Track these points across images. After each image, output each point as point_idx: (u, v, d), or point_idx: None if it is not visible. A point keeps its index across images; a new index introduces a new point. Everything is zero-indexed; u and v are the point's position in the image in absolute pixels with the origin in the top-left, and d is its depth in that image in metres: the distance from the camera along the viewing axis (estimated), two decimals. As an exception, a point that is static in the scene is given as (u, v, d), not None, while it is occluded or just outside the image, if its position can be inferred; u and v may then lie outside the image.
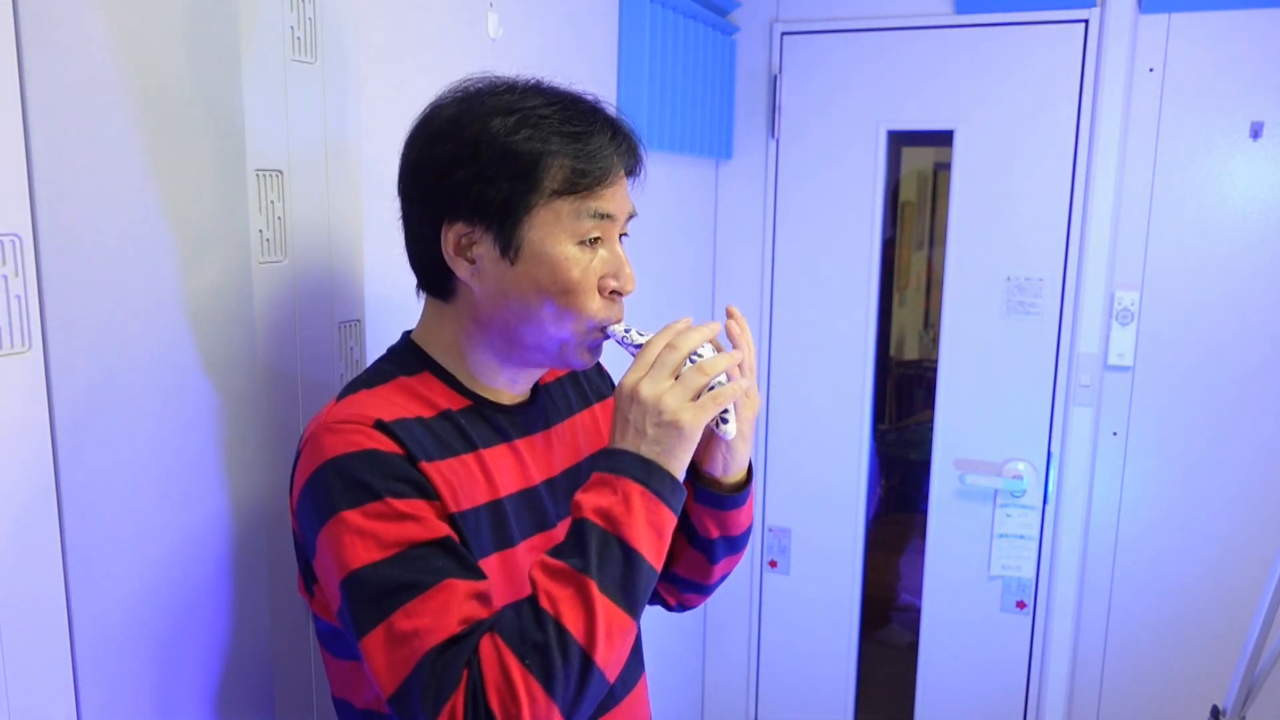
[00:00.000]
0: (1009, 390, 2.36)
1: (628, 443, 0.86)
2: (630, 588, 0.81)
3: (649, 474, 0.84)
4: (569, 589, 0.79)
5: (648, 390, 0.86)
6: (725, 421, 0.91)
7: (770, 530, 2.62)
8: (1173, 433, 2.24)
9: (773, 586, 2.66)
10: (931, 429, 2.46)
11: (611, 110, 0.96)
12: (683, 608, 1.15)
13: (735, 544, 1.07)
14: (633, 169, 0.97)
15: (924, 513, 2.51)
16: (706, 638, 2.74)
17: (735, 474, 1.02)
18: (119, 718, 0.92)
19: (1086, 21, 2.19)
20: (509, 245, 0.90)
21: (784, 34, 2.42)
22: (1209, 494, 2.23)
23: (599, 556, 0.80)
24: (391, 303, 1.29)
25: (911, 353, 3.52)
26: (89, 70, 0.84)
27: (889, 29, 2.34)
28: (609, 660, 0.80)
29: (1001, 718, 2.48)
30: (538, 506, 0.98)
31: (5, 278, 0.79)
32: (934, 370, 2.45)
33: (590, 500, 0.84)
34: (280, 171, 1.05)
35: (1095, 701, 2.39)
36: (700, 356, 0.89)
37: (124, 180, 0.87)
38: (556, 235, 0.90)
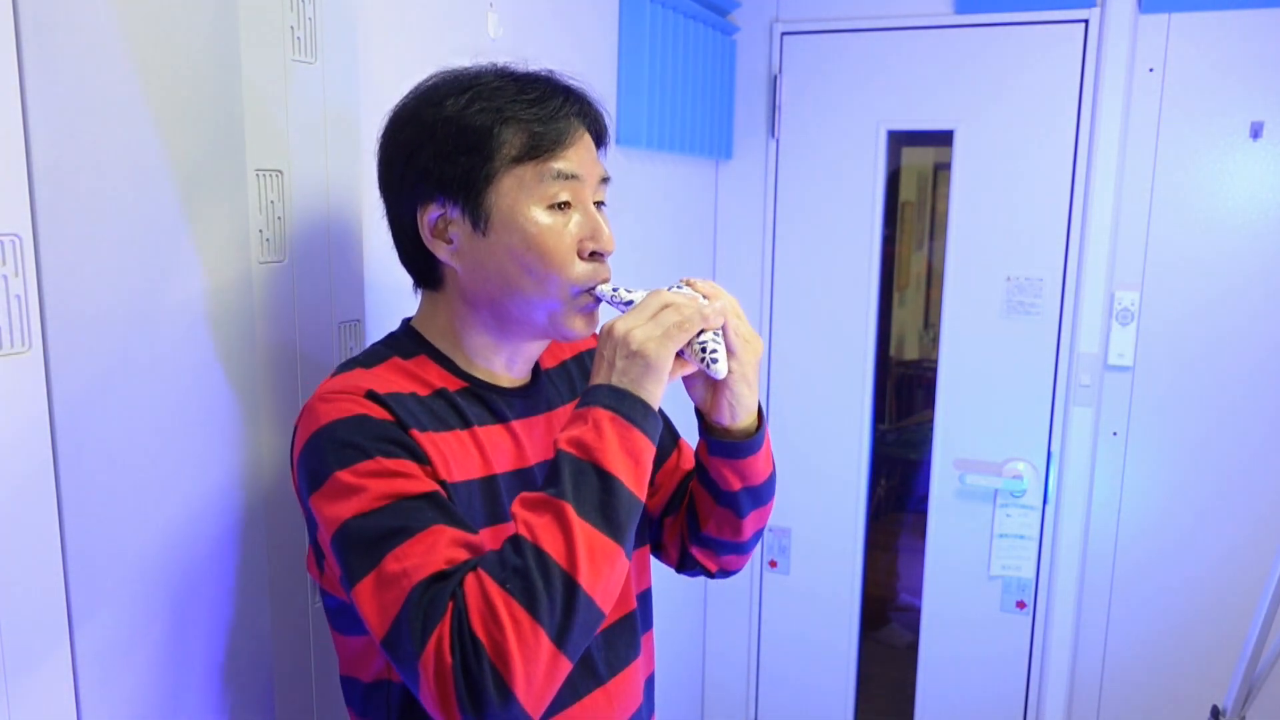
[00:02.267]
0: (1009, 390, 2.36)
1: (601, 377, 0.87)
2: (610, 511, 0.80)
3: (619, 401, 0.85)
4: (546, 515, 0.79)
5: (621, 326, 0.87)
6: (715, 360, 0.91)
7: (770, 530, 2.62)
8: (1173, 433, 2.24)
9: (773, 586, 2.66)
10: (931, 429, 2.46)
11: (568, 79, 0.97)
12: (725, 573, 1.14)
13: (759, 494, 1.05)
14: (596, 132, 0.98)
15: (924, 513, 2.51)
16: (706, 638, 2.74)
17: (744, 420, 1.00)
18: (119, 718, 0.92)
19: (1086, 21, 2.19)
20: (478, 217, 0.91)
21: (784, 34, 2.42)
22: (1209, 494, 2.23)
23: (573, 482, 0.80)
24: (391, 303, 1.29)
25: (911, 353, 3.52)
26: (89, 70, 0.84)
27: (889, 29, 2.34)
28: (595, 584, 0.78)
29: (1001, 718, 2.48)
30: (532, 486, 0.97)
31: (5, 278, 0.79)
32: (934, 370, 2.45)
33: (565, 434, 0.84)
34: (280, 171, 1.05)
35: (1095, 701, 2.40)
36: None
37: (124, 180, 0.87)
38: (523, 201, 0.91)
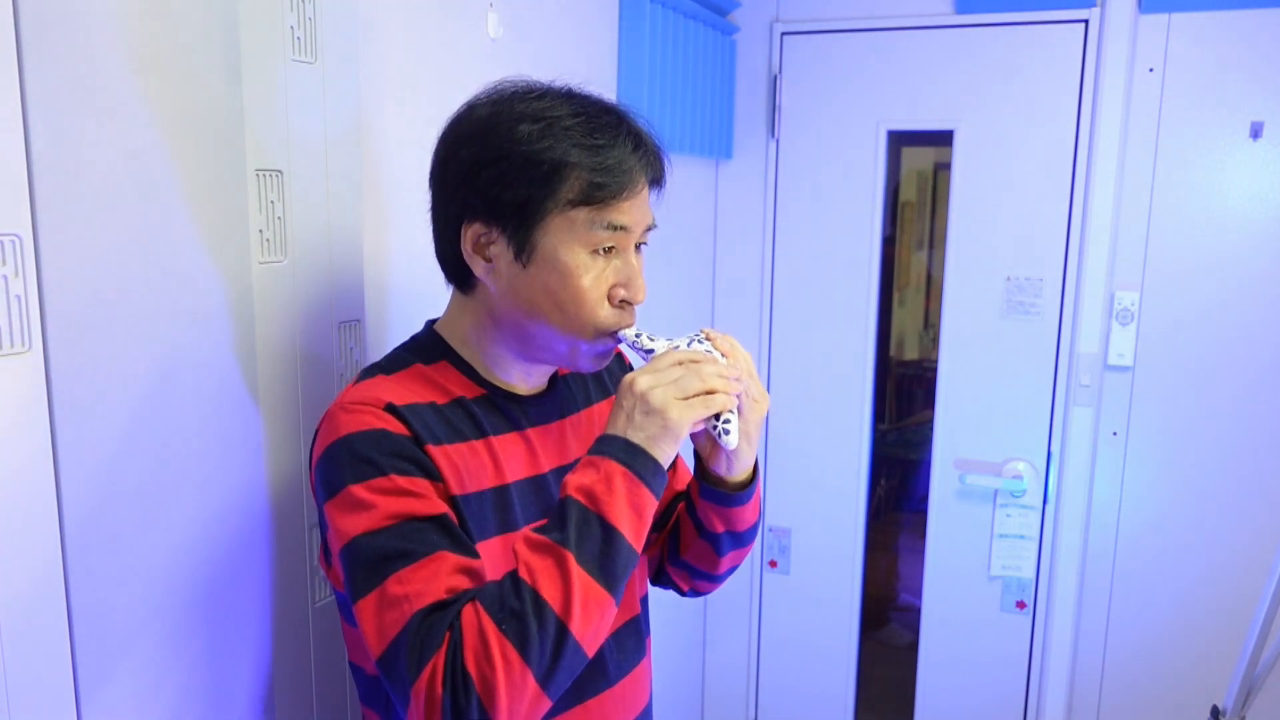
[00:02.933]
0: (1009, 390, 2.36)
1: (617, 429, 0.89)
2: (608, 564, 0.83)
3: (633, 457, 0.87)
4: (548, 560, 0.82)
5: (643, 382, 0.89)
6: (727, 433, 0.93)
7: (770, 530, 2.61)
8: (1173, 433, 2.24)
9: (773, 586, 2.66)
10: (931, 429, 2.46)
11: (639, 121, 0.98)
12: (695, 593, 1.18)
13: (741, 539, 1.09)
14: (655, 180, 0.99)
15: (924, 513, 2.51)
16: (706, 638, 2.74)
17: (739, 474, 1.04)
18: (119, 718, 0.92)
19: (1086, 21, 2.19)
20: (522, 248, 0.93)
21: (784, 34, 2.42)
22: (1209, 494, 2.23)
23: (578, 532, 0.83)
24: (391, 303, 1.29)
25: (911, 353, 3.52)
26: (89, 70, 0.84)
27: (889, 29, 2.34)
28: (585, 632, 0.81)
29: (1001, 718, 2.48)
30: (544, 494, 1.01)
31: (5, 278, 0.79)
32: (934, 370, 2.45)
33: (575, 479, 0.87)
34: (280, 171, 1.05)
35: (1095, 701, 2.40)
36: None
37: (124, 180, 0.87)
38: (569, 243, 0.93)
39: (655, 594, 1.20)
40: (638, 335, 0.96)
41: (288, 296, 1.07)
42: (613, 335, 0.96)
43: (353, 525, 0.85)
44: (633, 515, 0.85)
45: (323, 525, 0.94)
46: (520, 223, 0.92)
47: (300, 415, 1.11)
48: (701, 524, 1.08)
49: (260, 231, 1.02)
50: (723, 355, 0.95)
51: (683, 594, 1.19)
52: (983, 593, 2.45)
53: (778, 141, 2.47)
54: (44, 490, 0.83)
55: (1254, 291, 2.14)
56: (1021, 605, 2.42)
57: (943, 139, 2.35)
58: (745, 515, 1.07)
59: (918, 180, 3.40)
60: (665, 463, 0.89)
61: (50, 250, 0.82)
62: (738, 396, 0.94)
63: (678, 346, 0.95)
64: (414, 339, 1.04)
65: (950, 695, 2.52)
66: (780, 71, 2.44)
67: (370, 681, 1.00)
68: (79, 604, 0.87)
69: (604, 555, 0.83)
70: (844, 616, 2.60)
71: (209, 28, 0.95)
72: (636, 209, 0.95)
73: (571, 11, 1.73)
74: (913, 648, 2.58)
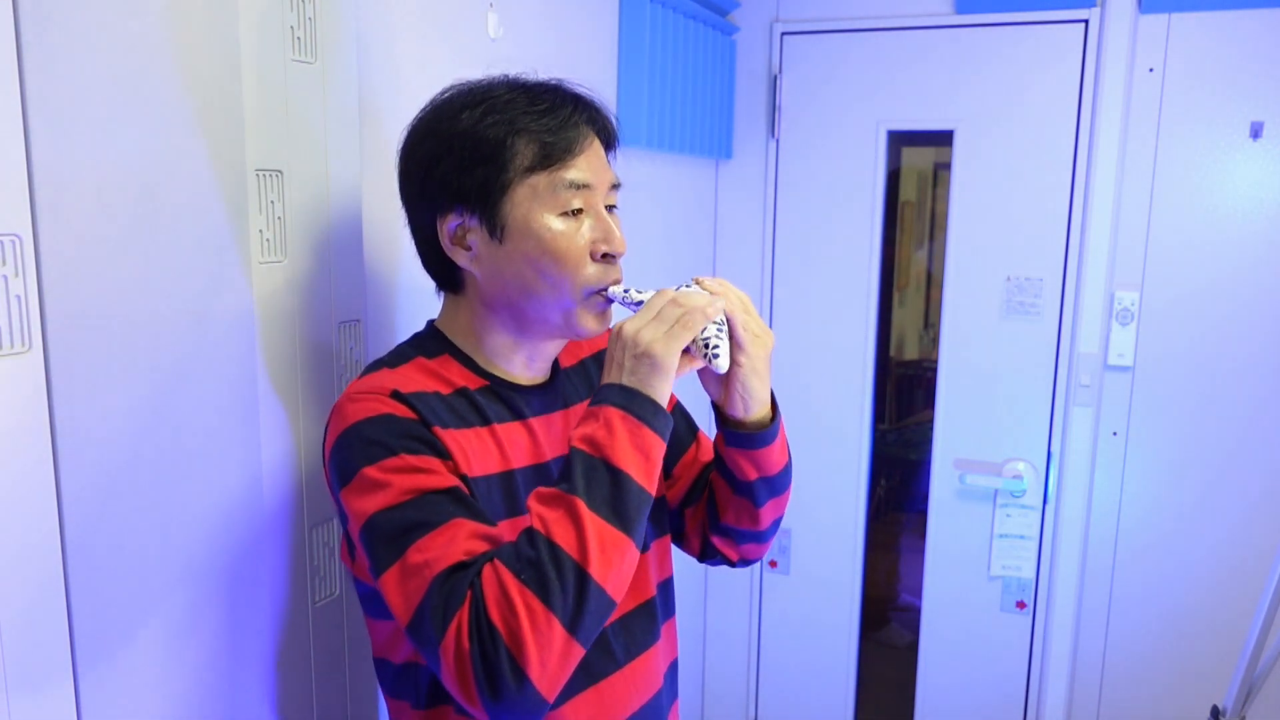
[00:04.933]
0: (1009, 390, 2.36)
1: (611, 377, 0.91)
2: (620, 505, 0.84)
3: (629, 400, 0.88)
4: (559, 509, 0.83)
5: (629, 327, 0.91)
6: (716, 355, 0.94)
7: (770, 530, 2.61)
8: (1173, 433, 2.24)
9: (773, 586, 2.66)
10: (931, 429, 2.46)
11: (577, 87, 1.01)
12: (745, 561, 1.18)
13: (775, 484, 1.09)
14: (605, 139, 1.01)
15: (924, 513, 2.51)
16: (706, 638, 2.74)
17: (757, 412, 1.03)
18: (119, 717, 0.92)
19: (1086, 21, 2.19)
20: (495, 226, 0.95)
21: (784, 34, 2.42)
22: (1209, 494, 2.23)
23: (585, 478, 0.84)
24: (391, 303, 1.29)
25: (911, 353, 3.52)
26: (89, 70, 0.84)
27: (889, 29, 2.34)
28: (607, 575, 0.82)
29: (1001, 718, 2.48)
30: (549, 481, 1.01)
31: (5, 278, 0.79)
32: (934, 370, 2.45)
33: (578, 431, 0.88)
34: (280, 171, 1.05)
35: (1095, 701, 2.40)
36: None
37: (124, 180, 0.87)
38: (537, 210, 0.95)
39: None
40: (626, 290, 0.98)
41: (288, 296, 1.07)
42: (602, 294, 0.98)
43: (369, 504, 0.87)
44: (638, 456, 0.87)
45: (342, 517, 0.95)
46: (486, 201, 0.95)
47: (300, 415, 1.11)
48: (734, 476, 1.07)
49: (260, 231, 1.02)
50: (711, 294, 0.96)
51: (733, 564, 1.18)
52: (983, 593, 2.45)
53: (778, 141, 2.47)
54: (44, 490, 0.83)
55: (1254, 291, 2.14)
56: (1021, 605, 2.42)
57: (943, 139, 2.35)
58: (773, 456, 1.07)
59: (918, 180, 3.40)
60: (662, 400, 0.90)
61: (50, 250, 0.82)
62: (726, 324, 0.95)
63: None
64: (415, 336, 1.06)
65: (950, 695, 2.52)
66: (780, 71, 2.44)
67: (399, 672, 1.01)
68: (79, 604, 0.87)
69: (614, 498, 0.84)
70: (844, 616, 2.60)
71: (209, 28, 0.95)
72: (592, 165, 0.97)
73: (571, 11, 1.73)
74: (913, 648, 2.58)
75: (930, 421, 2.47)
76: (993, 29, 2.26)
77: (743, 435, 1.04)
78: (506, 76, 1.00)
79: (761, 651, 2.70)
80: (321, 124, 1.10)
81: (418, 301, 1.32)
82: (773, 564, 2.64)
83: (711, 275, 2.55)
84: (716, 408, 1.06)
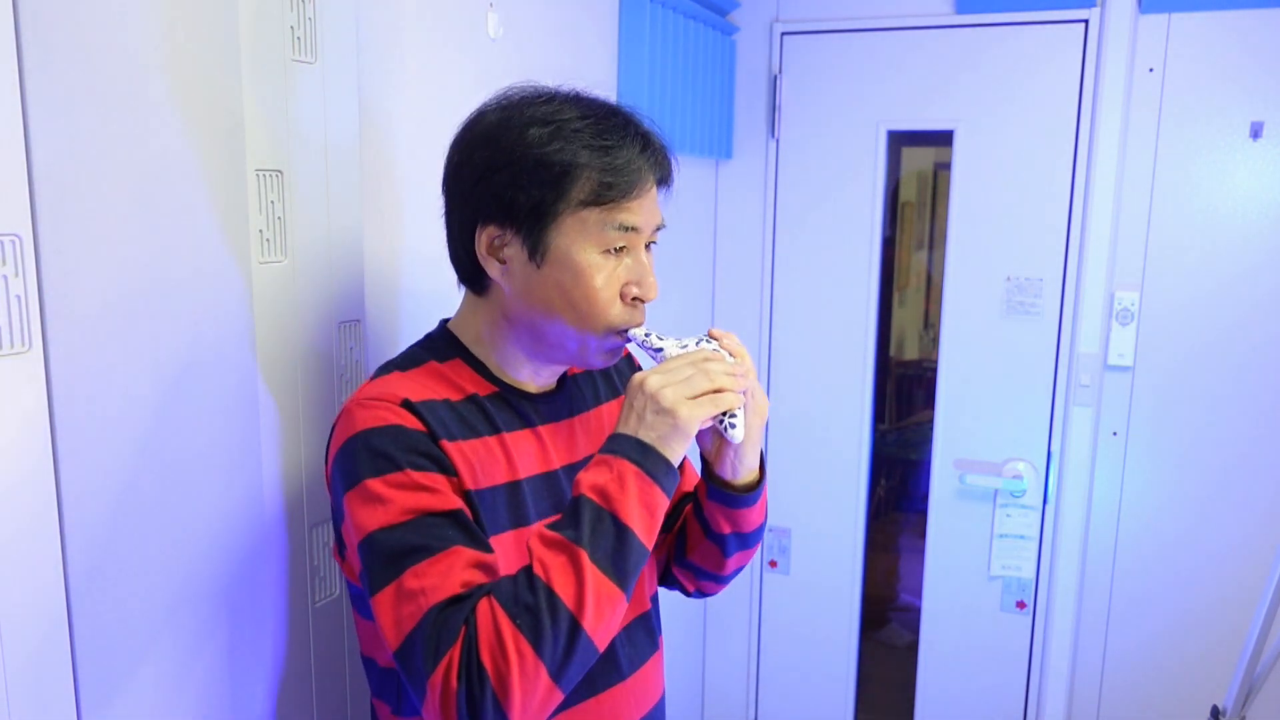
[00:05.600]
0: (1009, 390, 2.36)
1: (629, 428, 0.91)
2: (620, 561, 0.85)
3: (644, 456, 0.88)
4: (561, 557, 0.84)
5: (654, 382, 0.90)
6: (733, 426, 0.95)
7: (770, 530, 2.61)
8: (1173, 433, 2.24)
9: (773, 586, 2.66)
10: (931, 429, 2.46)
11: (646, 123, 1.00)
12: (700, 594, 1.20)
13: (747, 540, 1.11)
14: (664, 179, 1.01)
15: (924, 513, 2.51)
16: (706, 638, 2.74)
17: (745, 476, 1.05)
18: (119, 717, 0.92)
19: (1086, 21, 2.19)
20: (536, 249, 0.95)
21: (784, 34, 2.42)
22: (1209, 494, 2.23)
23: (592, 529, 0.85)
24: (391, 303, 1.29)
25: (911, 353, 3.51)
26: (89, 70, 0.84)
27: (889, 29, 2.34)
28: (597, 628, 0.83)
29: (1001, 718, 2.48)
30: (556, 490, 1.02)
31: (5, 278, 0.79)
32: (934, 370, 2.45)
33: (588, 478, 0.88)
34: (280, 171, 1.05)
35: (1095, 701, 2.40)
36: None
37: (124, 180, 0.87)
38: (581, 243, 0.95)
39: (656, 592, 1.20)
40: (647, 334, 0.98)
41: (288, 296, 1.07)
42: (622, 334, 0.98)
43: (370, 519, 0.87)
44: (645, 514, 0.87)
45: (337, 517, 0.95)
46: (534, 224, 0.94)
47: (301, 415, 1.11)
48: (708, 525, 1.09)
49: (260, 231, 1.02)
50: (730, 355, 0.97)
51: (688, 594, 1.20)
52: (983, 592, 2.45)
53: (778, 141, 2.47)
54: (44, 491, 0.83)
55: (1254, 291, 2.14)
56: (1021, 605, 2.42)
57: (943, 139, 2.35)
58: (751, 517, 1.09)
59: (918, 180, 3.40)
60: (676, 461, 0.90)
61: (50, 250, 0.82)
62: (743, 394, 0.95)
63: (685, 346, 0.97)
64: (428, 337, 1.06)
65: (950, 695, 2.52)
66: (780, 71, 2.44)
67: (383, 674, 1.02)
68: (79, 604, 0.87)
69: (616, 553, 0.85)
70: (844, 616, 2.60)
71: (209, 28, 0.95)
72: (645, 209, 0.97)
73: (571, 11, 1.73)
74: (913, 648, 2.58)
75: (930, 421, 2.47)
76: (993, 29, 2.26)
77: (726, 495, 1.06)
78: (578, 94, 0.99)
79: (761, 651, 2.70)
80: (321, 124, 1.10)
81: (418, 302, 1.32)
82: (773, 564, 2.64)
83: (711, 276, 2.56)
84: (705, 462, 1.07)
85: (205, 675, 1.01)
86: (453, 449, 0.92)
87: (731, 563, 1.12)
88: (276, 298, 1.06)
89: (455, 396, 0.97)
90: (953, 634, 2.50)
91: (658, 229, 1.01)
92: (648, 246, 1.00)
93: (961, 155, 2.33)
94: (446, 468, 0.90)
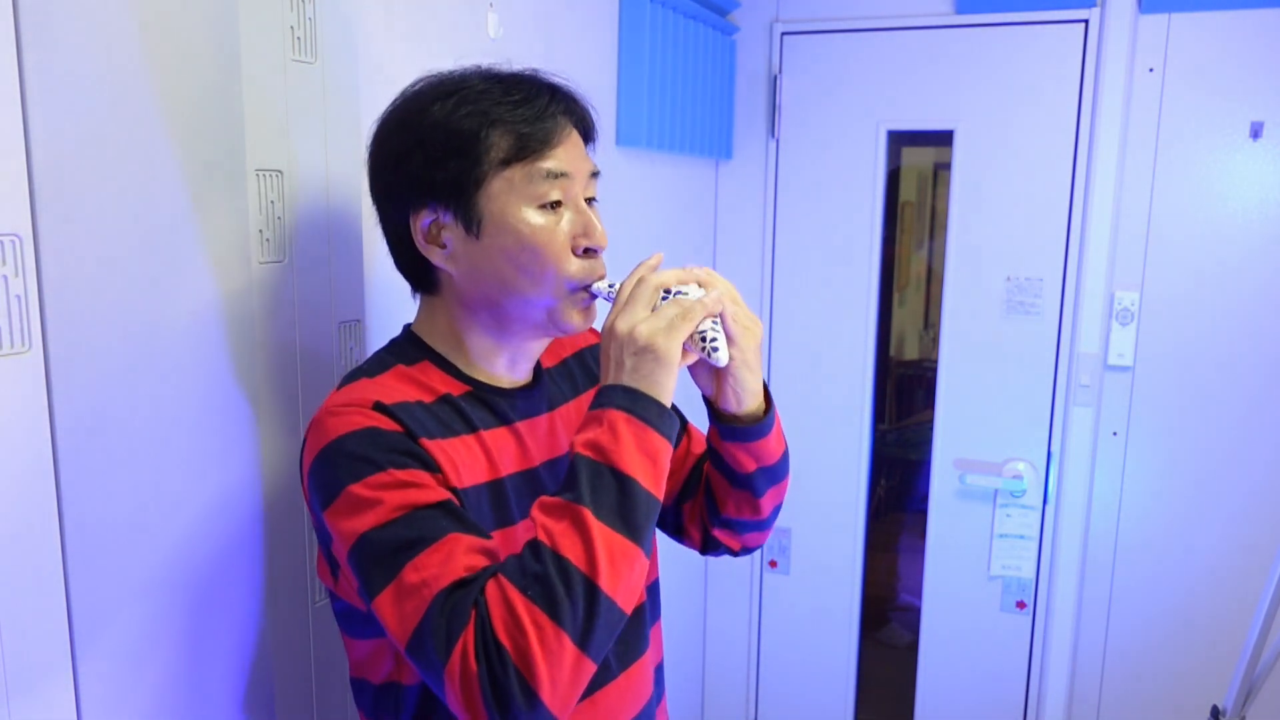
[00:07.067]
0: (1009, 390, 2.36)
1: (611, 377, 0.87)
2: (628, 513, 0.81)
3: (633, 401, 0.85)
4: (564, 520, 0.80)
5: (623, 323, 0.87)
6: (716, 349, 0.91)
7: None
8: (1173, 433, 2.24)
9: (773, 586, 2.66)
10: (931, 429, 2.46)
11: (553, 77, 0.97)
12: (747, 550, 1.15)
13: (775, 473, 1.06)
14: (584, 130, 0.98)
15: (924, 513, 2.51)
16: (706, 638, 2.74)
17: (751, 404, 1.00)
18: (118, 717, 0.92)
19: (1086, 21, 2.19)
20: (471, 221, 0.92)
21: (784, 34, 2.42)
22: (1209, 494, 2.23)
23: (591, 486, 0.81)
24: (391, 303, 1.29)
25: (911, 353, 3.52)
26: (89, 70, 0.84)
27: (889, 29, 2.34)
28: (616, 586, 0.79)
29: (1001, 718, 2.48)
30: (538, 487, 0.99)
31: (5, 278, 0.79)
32: (934, 370, 2.45)
33: (581, 436, 0.84)
34: (280, 171, 1.05)
35: (1095, 701, 2.40)
36: (684, 294, 0.90)
37: (124, 180, 0.87)
38: (514, 203, 0.91)
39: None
40: (611, 285, 0.94)
41: (288, 296, 1.07)
42: (586, 290, 0.95)
43: (358, 523, 0.83)
44: (645, 460, 0.83)
45: (322, 536, 0.91)
46: (461, 197, 0.91)
47: (300, 415, 1.11)
48: (732, 470, 1.04)
49: (260, 231, 1.02)
50: (699, 284, 0.93)
51: (734, 554, 1.15)
52: (983, 593, 2.45)
53: (778, 141, 2.47)
54: (44, 490, 0.83)
55: (1254, 291, 2.14)
56: (1021, 605, 2.42)
57: (943, 139, 2.35)
58: (770, 446, 1.04)
59: (918, 180, 3.40)
60: (667, 398, 0.86)
61: (50, 250, 0.82)
62: (719, 317, 0.91)
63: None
64: (392, 342, 1.02)
65: (950, 695, 2.52)
66: (780, 71, 2.44)
67: (377, 693, 0.97)
68: (79, 603, 0.87)
69: (622, 505, 0.81)
70: (844, 616, 2.60)
71: (209, 28, 0.95)
72: (571, 154, 0.94)
73: (571, 11, 1.73)
74: (913, 648, 2.58)
75: (930, 421, 2.47)
76: (993, 29, 2.26)
77: (738, 429, 1.01)
78: (479, 67, 0.96)
79: (761, 651, 2.70)
80: (321, 124, 1.10)
81: (414, 303, 1.31)
82: (773, 564, 2.64)
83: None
84: (709, 403, 1.03)
85: (205, 673, 1.01)
86: (433, 447, 0.88)
87: (767, 502, 1.07)
88: (276, 298, 1.06)
89: (427, 398, 0.93)
90: (953, 634, 2.50)
91: (594, 175, 0.97)
92: (591, 202, 0.96)
93: (961, 155, 2.33)
94: (429, 464, 0.86)
